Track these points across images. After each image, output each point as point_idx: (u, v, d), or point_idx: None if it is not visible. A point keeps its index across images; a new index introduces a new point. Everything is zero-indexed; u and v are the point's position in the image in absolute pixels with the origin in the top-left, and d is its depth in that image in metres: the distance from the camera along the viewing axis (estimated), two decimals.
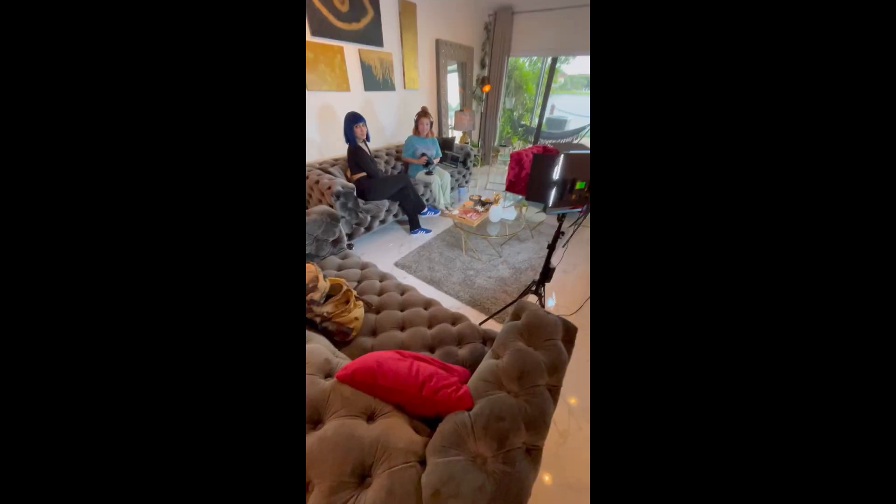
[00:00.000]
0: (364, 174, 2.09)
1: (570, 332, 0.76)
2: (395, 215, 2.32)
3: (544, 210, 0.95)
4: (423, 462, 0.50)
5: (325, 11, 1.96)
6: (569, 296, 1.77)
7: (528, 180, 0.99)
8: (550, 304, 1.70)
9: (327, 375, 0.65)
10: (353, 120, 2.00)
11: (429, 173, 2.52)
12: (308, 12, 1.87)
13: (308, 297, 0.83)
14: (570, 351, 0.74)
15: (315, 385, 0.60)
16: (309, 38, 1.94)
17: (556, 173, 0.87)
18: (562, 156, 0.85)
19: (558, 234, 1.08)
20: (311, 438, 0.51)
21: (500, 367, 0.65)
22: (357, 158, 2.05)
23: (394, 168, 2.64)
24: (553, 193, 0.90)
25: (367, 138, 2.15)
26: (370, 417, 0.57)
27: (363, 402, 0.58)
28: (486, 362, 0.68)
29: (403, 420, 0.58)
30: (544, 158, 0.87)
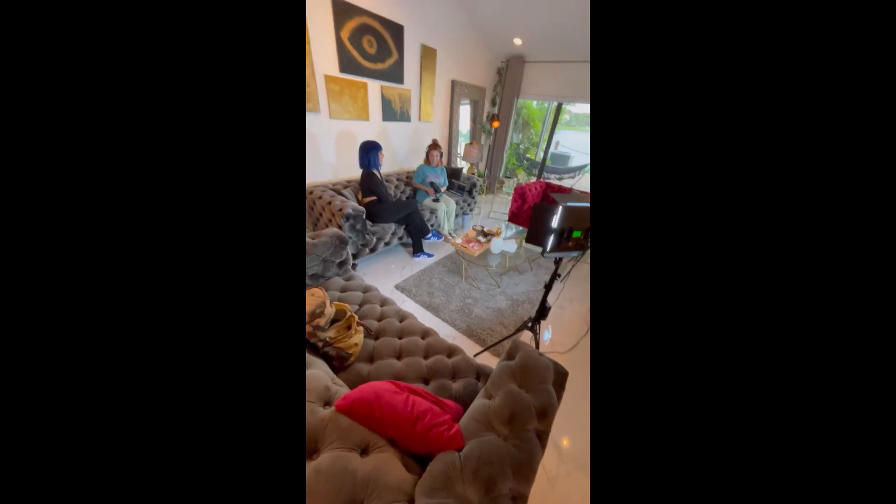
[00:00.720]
0: (375, 198, 2.19)
1: (560, 376, 0.79)
2: (400, 238, 2.39)
3: (542, 254, 1.01)
4: (411, 501, 0.51)
5: (354, 52, 2.16)
6: (565, 332, 1.79)
7: (528, 225, 1.07)
8: (546, 337, 1.71)
9: (326, 404, 0.67)
10: (374, 148, 2.14)
11: (435, 200, 2.64)
12: (339, 51, 2.08)
13: (314, 323, 0.87)
14: (559, 396, 0.77)
15: (314, 414, 0.63)
16: (337, 73, 2.13)
17: (555, 222, 0.94)
18: (560, 207, 0.93)
19: (555, 276, 1.13)
20: (308, 469, 0.53)
21: (492, 409, 0.67)
22: (371, 183, 2.17)
23: (403, 192, 2.76)
24: (551, 240, 0.97)
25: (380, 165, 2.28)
26: (364, 451, 0.59)
27: (359, 434, 0.61)
28: (479, 402, 0.71)
29: (395, 456, 0.60)
30: (544, 208, 0.95)
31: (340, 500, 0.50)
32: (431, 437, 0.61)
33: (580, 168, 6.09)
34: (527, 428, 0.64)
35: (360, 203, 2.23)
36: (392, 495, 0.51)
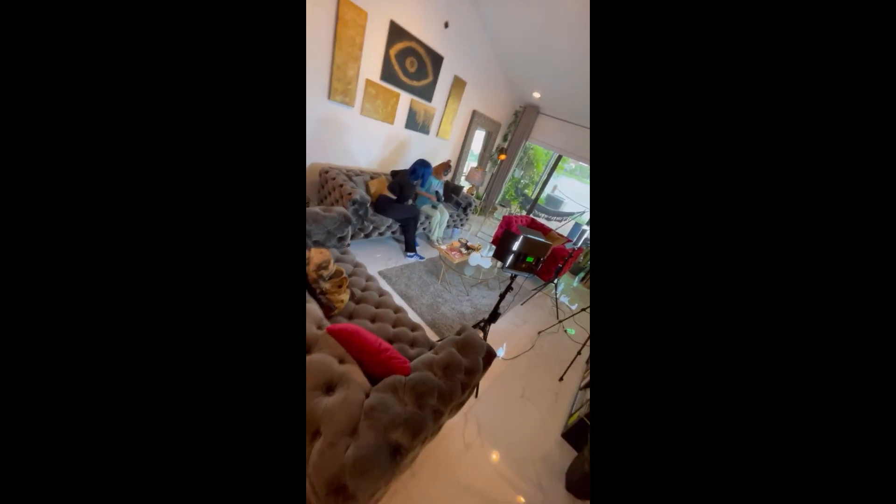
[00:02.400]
0: (394, 196, 2.48)
1: (489, 354, 1.08)
2: (394, 232, 2.66)
3: (502, 268, 1.32)
4: (367, 395, 0.77)
5: (397, 67, 2.50)
6: (514, 344, 2.09)
7: (497, 243, 1.38)
8: (500, 353, 1.96)
9: (319, 328, 0.92)
10: (427, 167, 2.56)
11: (434, 207, 2.95)
12: (384, 63, 2.40)
13: (319, 272, 1.12)
14: (486, 367, 1.05)
15: (311, 332, 0.87)
16: (377, 80, 2.45)
17: (515, 246, 1.26)
18: (521, 237, 1.25)
19: (509, 288, 1.44)
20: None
21: (435, 360, 0.95)
22: (404, 184, 2.49)
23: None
24: (510, 258, 1.29)
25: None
26: (341, 361, 0.84)
27: (339, 350, 0.86)
28: (428, 354, 0.98)
29: (360, 370, 0.85)
30: (510, 234, 1.27)
31: (323, 380, 0.75)
32: (389, 364, 0.87)
33: (569, 214, 6.66)
34: (455, 376, 0.91)
35: (367, 191, 2.51)
36: (356, 387, 0.76)
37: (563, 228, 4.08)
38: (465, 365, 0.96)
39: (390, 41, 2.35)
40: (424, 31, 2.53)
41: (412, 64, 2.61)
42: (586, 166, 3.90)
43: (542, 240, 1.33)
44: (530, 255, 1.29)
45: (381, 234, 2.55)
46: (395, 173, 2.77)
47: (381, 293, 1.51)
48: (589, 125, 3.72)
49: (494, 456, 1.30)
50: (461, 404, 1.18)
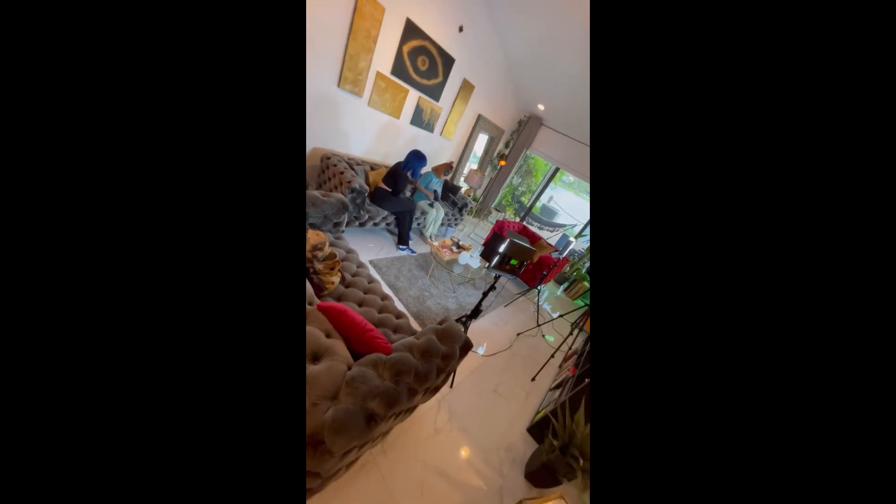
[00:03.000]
0: (389, 189, 2.51)
1: (466, 344, 1.16)
2: (388, 223, 2.72)
3: (488, 267, 1.40)
4: (349, 368, 0.84)
5: (408, 64, 2.56)
6: (494, 343, 2.18)
7: (485, 244, 1.46)
8: (480, 351, 2.04)
9: (310, 303, 0.98)
10: (421, 159, 2.51)
11: (430, 205, 3.02)
12: (396, 59, 2.45)
13: (315, 253, 1.17)
14: (462, 356, 1.13)
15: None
16: (388, 74, 2.50)
17: (501, 248, 1.35)
18: (508, 240, 1.34)
19: (492, 287, 1.53)
20: None
21: (415, 344, 1.02)
22: (398, 177, 2.49)
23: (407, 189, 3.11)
24: (496, 259, 1.37)
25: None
26: (328, 335, 0.91)
27: (327, 325, 0.92)
28: (409, 339, 1.06)
29: (345, 347, 0.92)
30: (498, 236, 1.36)
31: (310, 351, 0.81)
32: (373, 343, 0.94)
33: (561, 225, 6.84)
34: (432, 360, 0.99)
35: (367, 181, 2.55)
36: (340, 359, 0.83)
37: (553, 238, 4.22)
38: (442, 351, 1.04)
39: (404, 38, 2.40)
40: (439, 32, 2.59)
41: (423, 62, 2.67)
42: (585, 182, 4.03)
43: (528, 245, 1.43)
44: (515, 258, 1.38)
45: (375, 224, 2.60)
46: (385, 175, 2.72)
47: (371, 280, 1.58)
48: (588, 142, 3.86)
49: (462, 442, 1.39)
50: (436, 388, 1.27)
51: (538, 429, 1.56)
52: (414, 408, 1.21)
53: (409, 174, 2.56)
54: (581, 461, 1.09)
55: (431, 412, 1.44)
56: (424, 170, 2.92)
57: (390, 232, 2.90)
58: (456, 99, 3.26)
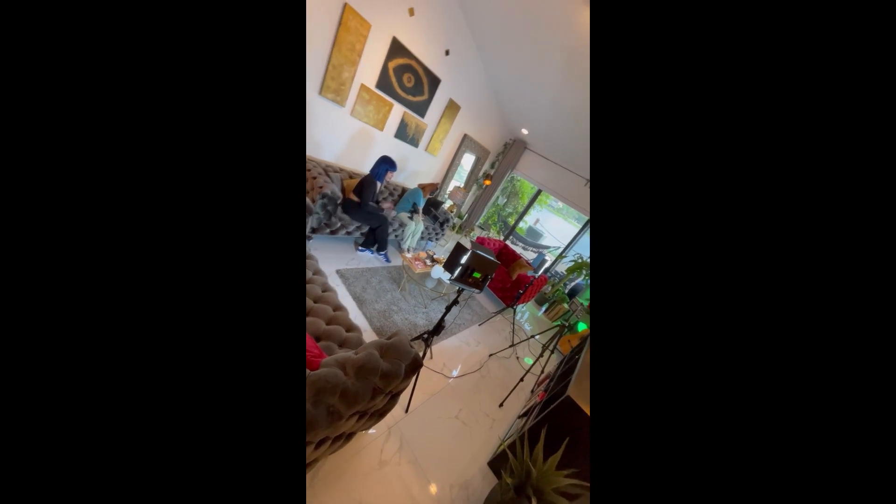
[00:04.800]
0: (356, 198, 2.41)
1: (416, 362, 1.05)
2: (362, 232, 2.63)
3: (450, 279, 1.32)
4: None
5: (393, 80, 2.61)
6: (464, 363, 2.05)
7: (448, 256, 1.39)
8: (454, 374, 1.90)
9: None
10: (389, 164, 2.37)
11: (410, 217, 2.97)
12: (381, 74, 2.50)
13: None
14: (409, 376, 1.01)
15: None
16: (372, 87, 2.53)
17: (463, 259, 1.28)
18: (470, 251, 1.27)
19: (455, 302, 1.44)
20: None
21: (350, 359, 0.90)
22: (363, 186, 2.37)
23: (385, 199, 3.07)
24: (458, 271, 1.30)
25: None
26: None
27: None
28: (346, 353, 0.94)
29: None
30: (461, 247, 1.29)
31: None
32: None
33: (546, 247, 6.92)
34: (368, 378, 0.87)
35: (342, 189, 2.49)
36: None
37: (531, 260, 4.21)
38: (382, 368, 0.92)
39: (391, 55, 2.46)
40: (425, 53, 2.68)
41: (409, 80, 2.74)
42: (571, 207, 4.12)
43: (492, 258, 1.36)
44: (478, 270, 1.30)
45: (349, 232, 2.51)
46: (356, 185, 2.51)
47: (325, 289, 1.46)
48: (570, 167, 3.99)
49: (410, 477, 1.22)
50: (381, 413, 1.13)
51: (499, 462, 1.41)
52: (350, 435, 1.06)
53: (378, 183, 2.45)
54: (535, 503, 0.96)
55: (378, 441, 1.28)
56: (400, 179, 2.81)
57: (356, 243, 2.79)
58: (441, 117, 3.34)
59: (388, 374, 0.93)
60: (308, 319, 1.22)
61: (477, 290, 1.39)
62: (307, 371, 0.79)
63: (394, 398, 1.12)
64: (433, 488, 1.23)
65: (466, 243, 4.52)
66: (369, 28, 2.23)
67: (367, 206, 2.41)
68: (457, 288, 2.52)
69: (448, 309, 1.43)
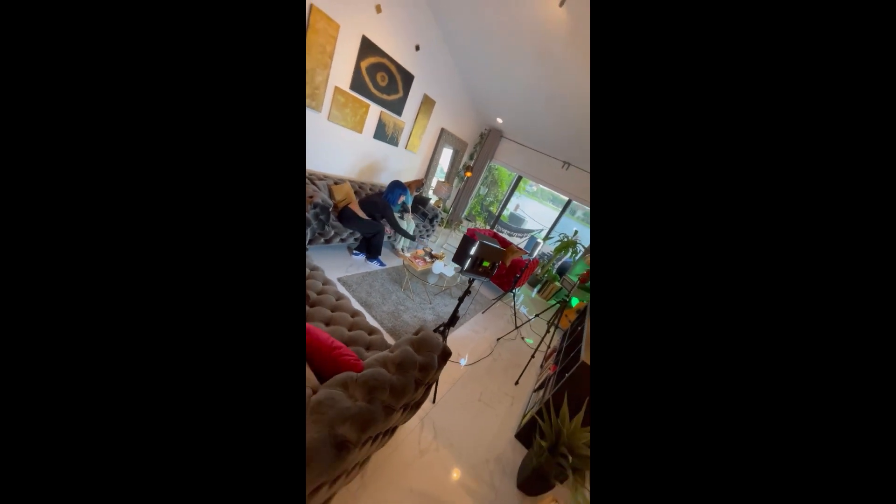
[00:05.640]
0: (364, 216, 2.44)
1: (445, 352, 1.11)
2: (357, 239, 2.61)
3: (461, 271, 1.38)
4: (315, 392, 0.75)
5: (367, 80, 2.57)
6: (474, 351, 2.14)
7: (456, 251, 1.45)
8: (462, 362, 1.98)
9: None
10: (401, 189, 2.54)
11: (401, 217, 2.98)
12: (354, 75, 2.46)
13: None
14: (441, 365, 1.08)
15: None
16: (347, 89, 2.48)
17: (472, 251, 1.34)
18: (478, 242, 1.34)
19: (467, 292, 1.51)
20: None
21: (389, 357, 0.95)
22: (379, 209, 2.47)
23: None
24: (468, 262, 1.36)
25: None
26: None
27: None
28: (383, 353, 0.98)
29: (309, 368, 0.82)
30: (469, 240, 1.35)
31: None
32: (341, 361, 0.85)
33: (529, 231, 7.16)
34: (409, 372, 0.93)
35: (331, 196, 2.46)
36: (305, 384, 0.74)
37: (522, 243, 4.37)
38: (419, 362, 0.98)
39: (362, 54, 2.42)
40: (396, 49, 2.66)
41: (383, 78, 2.71)
42: (546, 189, 4.28)
43: (498, 246, 1.44)
44: (486, 259, 1.38)
45: (342, 240, 2.49)
46: (366, 202, 2.59)
47: (339, 297, 1.47)
48: (545, 151, 4.14)
49: (449, 459, 1.30)
50: (417, 404, 1.18)
51: (526, 433, 1.53)
52: (394, 429, 1.11)
53: (392, 208, 2.55)
54: (570, 458, 1.07)
55: (414, 432, 1.34)
56: (383, 179, 2.84)
57: (349, 249, 2.77)
58: (418, 113, 3.33)
59: (424, 365, 0.99)
60: (331, 328, 1.24)
61: (486, 279, 1.47)
62: (354, 373, 0.83)
63: (428, 389, 1.18)
64: (471, 466, 1.32)
65: (457, 238, 4.59)
66: (338, 28, 2.18)
67: (371, 221, 2.48)
68: (458, 280, 2.61)
69: (461, 300, 1.49)
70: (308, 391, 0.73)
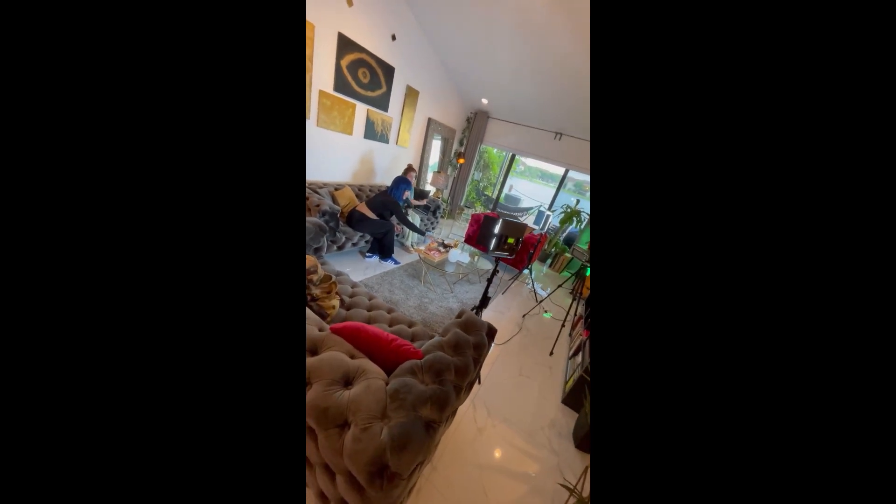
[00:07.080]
0: (374, 216, 2.42)
1: (491, 329, 1.13)
2: (367, 241, 2.61)
3: (489, 251, 1.39)
4: (386, 382, 0.76)
5: (349, 78, 2.51)
6: (504, 330, 2.16)
7: (477, 232, 1.45)
8: (503, 341, 1.99)
9: (320, 329, 0.89)
10: (407, 185, 2.53)
11: (406, 213, 2.97)
12: (336, 75, 2.40)
13: (309, 277, 1.07)
14: (490, 343, 1.09)
15: (313, 332, 0.84)
16: (331, 91, 2.43)
17: (497, 229, 1.35)
18: (501, 220, 1.34)
19: (495, 271, 1.52)
20: (312, 360, 0.74)
21: (444, 341, 0.97)
22: (388, 208, 2.44)
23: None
24: (493, 242, 1.37)
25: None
26: (352, 356, 0.82)
27: (346, 346, 0.84)
28: (436, 338, 1.00)
29: (372, 362, 0.84)
30: (491, 219, 1.36)
31: (339, 374, 0.72)
32: (401, 352, 0.87)
33: (527, 209, 7.17)
34: (466, 352, 0.94)
35: (335, 201, 2.43)
36: (374, 375, 0.75)
37: (529, 219, 4.37)
38: (472, 341, 1.00)
39: (340, 52, 2.36)
40: (373, 42, 2.59)
41: (365, 75, 2.65)
42: (535, 167, 4.25)
43: (518, 221, 1.45)
44: (511, 235, 1.38)
45: (354, 244, 2.48)
46: (373, 201, 2.55)
47: (370, 297, 1.48)
48: (534, 125, 4.10)
49: (507, 432, 1.34)
50: (470, 385, 1.21)
51: (572, 397, 1.57)
52: (455, 411, 1.14)
53: (400, 204, 2.54)
54: None
55: (469, 413, 1.38)
56: (378, 179, 2.81)
57: (361, 253, 2.77)
58: (404, 106, 3.28)
59: (477, 345, 1.01)
60: (374, 326, 1.25)
61: (510, 255, 1.48)
62: (417, 360, 0.84)
63: (480, 368, 1.20)
64: (528, 435, 1.36)
65: (461, 227, 4.58)
66: (313, 28, 2.12)
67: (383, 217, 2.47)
68: (475, 265, 2.62)
69: (490, 280, 1.51)
70: (381, 382, 0.74)
